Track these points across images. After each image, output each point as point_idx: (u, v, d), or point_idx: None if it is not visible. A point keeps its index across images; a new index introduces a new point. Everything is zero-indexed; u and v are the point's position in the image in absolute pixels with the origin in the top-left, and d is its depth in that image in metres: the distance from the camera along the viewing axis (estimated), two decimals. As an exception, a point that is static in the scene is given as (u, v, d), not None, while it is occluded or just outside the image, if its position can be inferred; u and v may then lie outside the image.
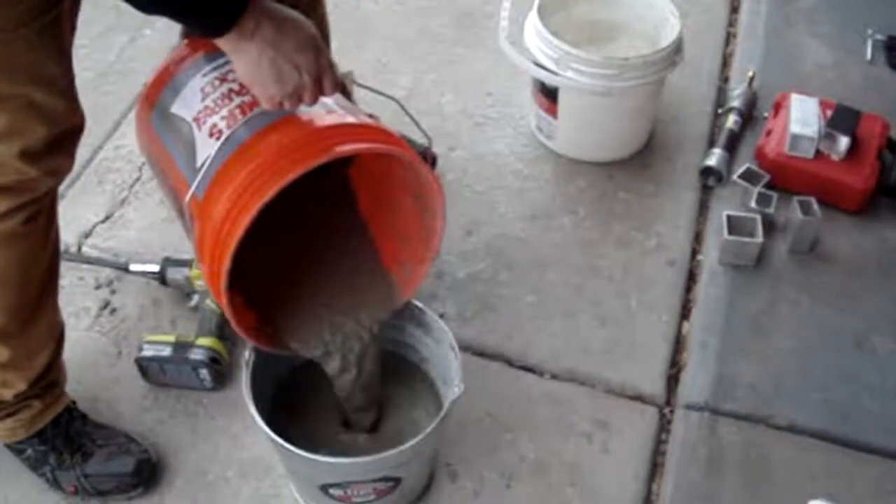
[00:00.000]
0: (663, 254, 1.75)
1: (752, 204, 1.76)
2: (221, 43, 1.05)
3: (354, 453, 1.25)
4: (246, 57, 1.06)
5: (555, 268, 1.71)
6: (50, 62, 1.11)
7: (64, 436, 1.38)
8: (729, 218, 1.71)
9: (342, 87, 1.18)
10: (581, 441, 1.47)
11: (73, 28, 1.14)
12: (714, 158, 1.87)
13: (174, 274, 1.61)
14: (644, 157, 1.93)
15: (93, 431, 1.41)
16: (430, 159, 1.66)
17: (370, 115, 1.56)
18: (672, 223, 1.81)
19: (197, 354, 1.49)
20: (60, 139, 1.18)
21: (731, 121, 1.95)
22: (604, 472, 1.44)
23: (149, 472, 1.40)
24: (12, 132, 1.11)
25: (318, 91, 1.12)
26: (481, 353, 1.58)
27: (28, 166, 1.15)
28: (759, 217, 1.72)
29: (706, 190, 1.87)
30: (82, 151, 1.91)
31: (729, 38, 2.25)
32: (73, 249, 1.73)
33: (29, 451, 1.38)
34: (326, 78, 1.12)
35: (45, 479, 1.39)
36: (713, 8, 2.31)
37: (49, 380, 1.36)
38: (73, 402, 1.43)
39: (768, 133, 1.90)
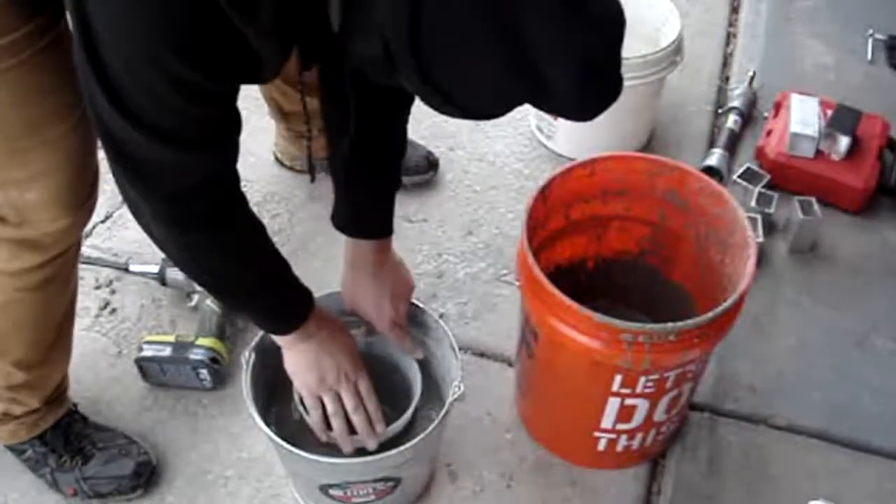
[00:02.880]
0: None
1: (753, 204, 1.76)
2: (279, 340, 1.20)
3: (354, 454, 1.25)
4: (296, 354, 1.21)
5: (555, 268, 1.71)
6: (72, 95, 1.03)
7: (64, 438, 1.38)
8: (729, 218, 1.71)
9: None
10: (581, 441, 1.47)
11: None
12: (714, 158, 1.87)
13: (174, 274, 1.61)
14: (644, 157, 1.93)
15: (93, 434, 1.41)
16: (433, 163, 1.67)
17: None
18: (672, 223, 1.80)
19: (197, 354, 1.49)
20: (93, 181, 1.16)
21: (732, 120, 1.95)
22: (604, 471, 1.44)
23: (148, 475, 1.39)
24: (40, 177, 1.08)
25: (355, 391, 1.24)
26: (481, 354, 1.58)
27: (62, 214, 1.12)
28: (759, 217, 1.71)
29: (706, 190, 1.87)
30: (82, 151, 1.92)
31: (729, 37, 2.25)
32: (73, 249, 1.73)
33: (29, 452, 1.38)
34: (362, 381, 1.25)
35: (44, 480, 1.39)
36: (713, 8, 2.31)
37: (58, 392, 1.36)
38: (75, 405, 1.43)
39: (768, 133, 1.90)
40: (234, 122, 0.98)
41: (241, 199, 1.08)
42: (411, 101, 1.19)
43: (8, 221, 1.12)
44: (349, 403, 1.23)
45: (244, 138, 1.19)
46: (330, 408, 1.23)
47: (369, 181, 1.24)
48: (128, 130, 0.89)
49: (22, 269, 1.16)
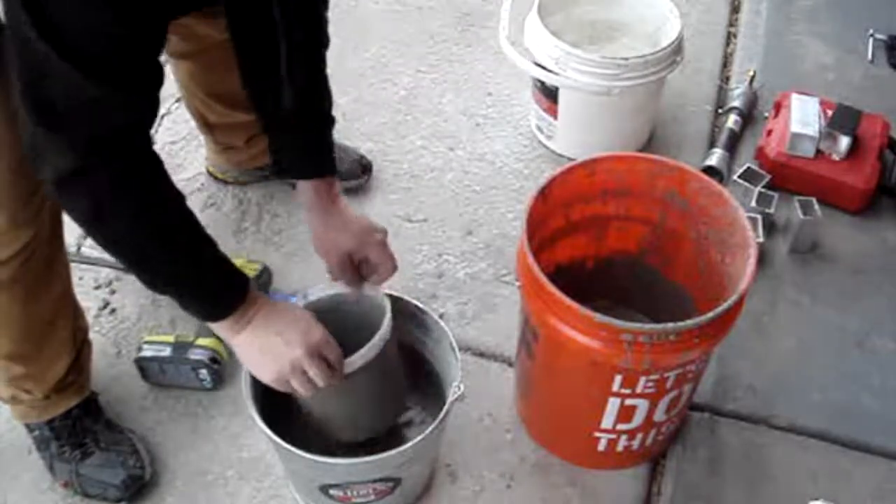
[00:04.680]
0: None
1: (753, 204, 1.76)
2: (216, 328, 1.12)
3: (354, 454, 1.25)
4: (241, 342, 1.13)
5: (555, 268, 1.71)
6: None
7: (70, 429, 1.39)
8: (729, 218, 1.71)
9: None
10: (581, 441, 1.47)
11: None
12: (715, 158, 1.87)
13: (174, 274, 1.61)
14: (644, 157, 1.93)
15: (100, 431, 1.41)
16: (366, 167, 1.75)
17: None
18: (672, 223, 1.80)
19: (197, 354, 1.49)
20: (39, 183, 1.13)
21: (732, 120, 1.95)
22: (604, 471, 1.44)
23: (135, 490, 1.39)
24: None
25: (323, 364, 1.14)
26: (481, 354, 1.58)
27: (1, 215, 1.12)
28: (759, 217, 1.71)
29: (706, 190, 1.87)
30: (82, 151, 1.92)
31: (729, 37, 2.25)
32: (73, 249, 1.72)
33: (37, 433, 1.40)
34: (327, 350, 1.15)
35: (44, 463, 1.41)
36: (713, 8, 2.31)
37: (66, 382, 1.37)
38: (95, 395, 1.43)
39: (769, 133, 1.90)
40: (156, 68, 0.98)
41: (159, 162, 1.04)
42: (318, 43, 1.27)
43: None
44: (320, 382, 1.15)
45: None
46: (301, 391, 1.15)
47: (309, 124, 1.27)
48: (50, 60, 0.88)
49: None
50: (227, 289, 1.11)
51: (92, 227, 1.02)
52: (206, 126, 1.74)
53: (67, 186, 0.97)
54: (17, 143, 1.03)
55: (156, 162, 1.03)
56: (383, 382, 1.28)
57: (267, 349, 1.12)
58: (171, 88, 2.07)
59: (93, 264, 1.70)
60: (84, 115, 0.93)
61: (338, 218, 1.29)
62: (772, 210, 1.76)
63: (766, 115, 1.96)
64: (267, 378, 1.15)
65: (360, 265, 1.30)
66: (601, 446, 1.37)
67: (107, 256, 1.70)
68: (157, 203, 1.03)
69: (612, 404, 1.29)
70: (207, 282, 1.10)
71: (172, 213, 1.05)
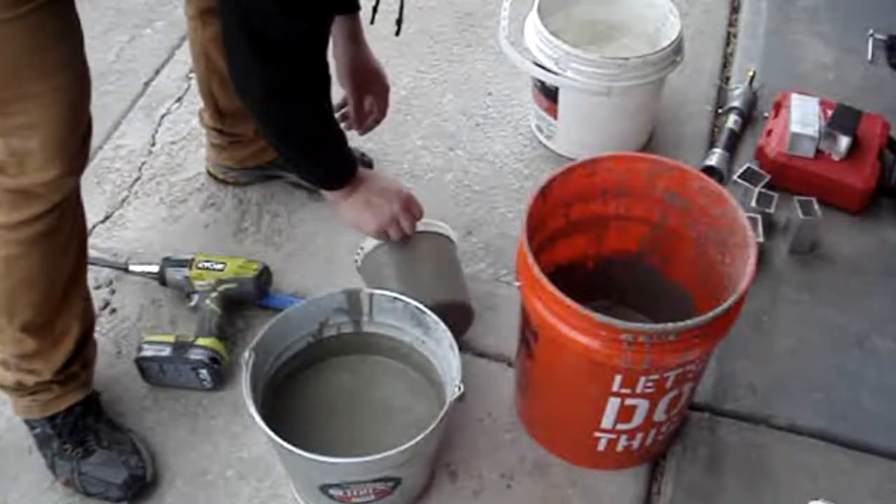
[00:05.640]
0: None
1: (753, 204, 1.76)
2: (329, 195, 1.43)
3: (354, 453, 1.25)
4: (348, 206, 1.43)
5: (555, 268, 1.70)
6: (77, 46, 1.17)
7: (72, 427, 1.39)
8: (729, 218, 1.71)
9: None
10: (581, 441, 1.47)
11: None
12: (714, 158, 1.87)
13: (174, 274, 1.61)
14: (644, 157, 1.92)
15: (102, 430, 1.41)
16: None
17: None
18: (672, 223, 1.80)
19: (197, 354, 1.49)
20: (86, 133, 1.23)
21: (732, 120, 1.95)
22: (604, 472, 1.44)
23: (137, 489, 1.39)
24: (43, 124, 1.14)
25: (411, 216, 1.47)
26: (481, 354, 1.58)
27: (58, 163, 1.17)
28: (759, 217, 1.71)
29: (706, 190, 1.87)
30: (82, 151, 1.92)
31: (729, 37, 2.25)
32: (73, 249, 1.73)
33: (38, 430, 1.40)
34: (413, 204, 1.47)
35: (45, 461, 1.41)
36: (713, 8, 2.31)
37: (71, 370, 1.37)
38: (97, 395, 1.44)
39: (769, 133, 1.90)
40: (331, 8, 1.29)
41: (327, 77, 1.30)
42: None
43: (7, 172, 1.17)
44: (409, 230, 1.47)
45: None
46: (394, 236, 1.47)
47: None
48: (276, 14, 1.13)
49: (20, 222, 1.21)
50: (349, 168, 1.41)
51: (280, 132, 1.32)
52: (217, 114, 1.71)
53: (275, 97, 1.25)
54: (78, 101, 1.19)
55: (326, 77, 1.30)
56: (447, 262, 1.56)
57: (371, 207, 1.42)
58: (171, 90, 2.08)
59: (93, 264, 1.69)
60: (288, 43, 1.19)
61: (362, 52, 1.61)
62: (772, 210, 1.76)
63: (766, 115, 1.96)
64: (370, 228, 1.45)
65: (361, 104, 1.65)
66: (601, 446, 1.38)
67: (106, 256, 1.72)
68: (322, 109, 1.33)
69: (612, 404, 1.29)
70: (338, 164, 1.40)
71: (328, 116, 1.35)
